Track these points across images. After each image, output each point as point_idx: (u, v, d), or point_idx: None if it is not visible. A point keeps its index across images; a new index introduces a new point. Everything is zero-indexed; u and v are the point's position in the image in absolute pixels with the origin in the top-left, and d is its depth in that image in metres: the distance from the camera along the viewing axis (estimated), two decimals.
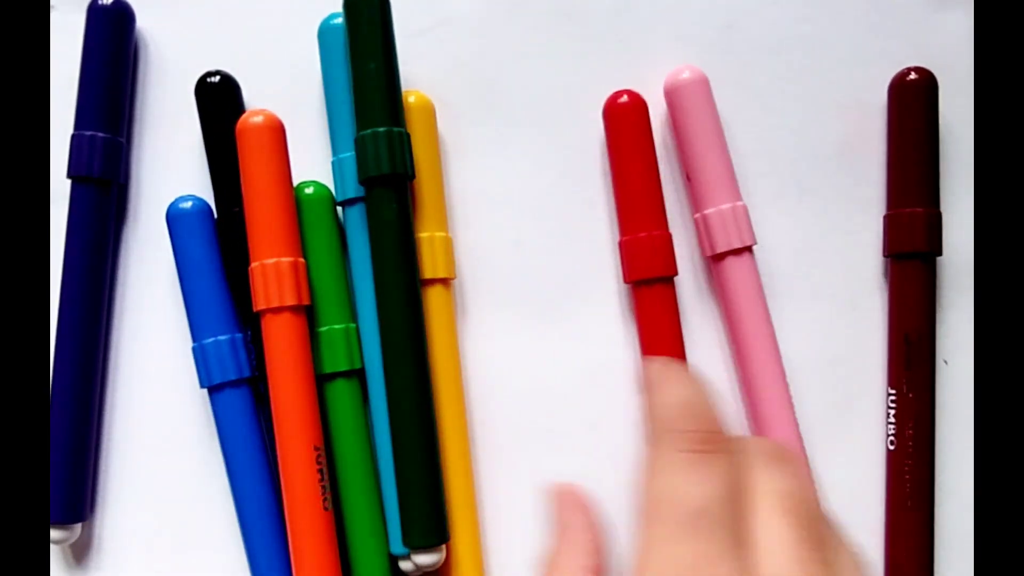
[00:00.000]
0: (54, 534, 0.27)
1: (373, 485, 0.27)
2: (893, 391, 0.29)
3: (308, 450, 0.26)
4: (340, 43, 0.28)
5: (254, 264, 0.26)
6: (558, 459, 0.29)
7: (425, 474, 0.26)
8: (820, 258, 0.30)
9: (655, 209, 0.28)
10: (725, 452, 0.21)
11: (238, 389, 0.27)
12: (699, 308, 0.30)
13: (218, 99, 0.28)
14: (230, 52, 0.30)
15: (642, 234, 0.28)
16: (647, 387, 0.23)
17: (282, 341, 0.26)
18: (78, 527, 0.28)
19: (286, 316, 0.26)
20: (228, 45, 0.30)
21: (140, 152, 0.30)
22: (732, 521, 0.20)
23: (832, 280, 0.30)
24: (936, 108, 0.29)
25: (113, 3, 0.29)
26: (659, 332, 0.28)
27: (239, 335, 0.28)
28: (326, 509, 0.26)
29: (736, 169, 0.29)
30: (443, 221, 0.29)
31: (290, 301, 0.26)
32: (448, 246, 0.28)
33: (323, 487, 0.26)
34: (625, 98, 0.28)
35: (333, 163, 0.28)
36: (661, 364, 0.24)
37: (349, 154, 0.28)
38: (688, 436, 0.21)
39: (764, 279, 0.29)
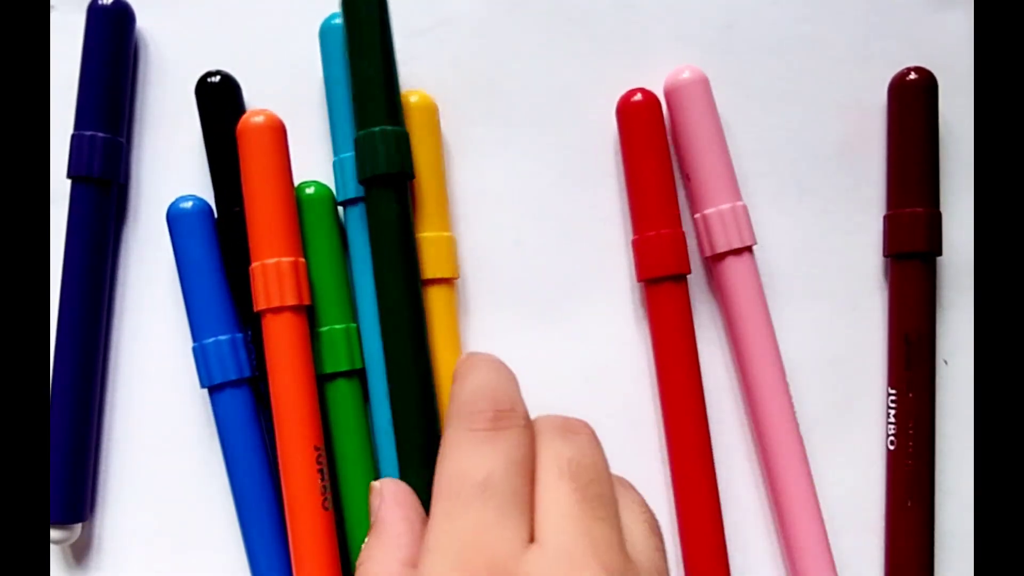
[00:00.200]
0: (54, 534, 0.27)
1: None
2: (893, 391, 0.29)
3: (308, 450, 0.26)
4: (341, 43, 0.28)
5: (255, 264, 0.26)
6: None
7: (427, 475, 0.26)
8: (820, 258, 0.30)
9: (669, 207, 0.28)
10: (516, 428, 0.21)
11: (238, 389, 0.27)
12: (699, 308, 0.30)
13: (218, 99, 0.28)
14: (230, 52, 0.30)
15: (657, 232, 0.28)
16: (453, 377, 0.23)
17: (282, 341, 0.26)
18: (78, 527, 0.28)
19: (287, 316, 0.26)
20: (228, 45, 0.30)
21: (140, 152, 0.30)
22: (516, 491, 0.20)
23: (832, 280, 0.30)
24: (936, 108, 0.29)
25: (113, 3, 0.29)
26: (672, 329, 0.28)
27: (239, 335, 0.28)
28: (326, 509, 0.26)
29: (736, 169, 0.29)
30: (446, 221, 0.29)
31: (291, 301, 0.26)
32: (451, 246, 0.28)
33: (323, 487, 0.26)
34: (639, 96, 0.28)
35: (334, 163, 0.28)
36: (468, 355, 0.24)
37: (350, 154, 0.28)
38: (478, 415, 0.21)
39: (764, 279, 0.29)
